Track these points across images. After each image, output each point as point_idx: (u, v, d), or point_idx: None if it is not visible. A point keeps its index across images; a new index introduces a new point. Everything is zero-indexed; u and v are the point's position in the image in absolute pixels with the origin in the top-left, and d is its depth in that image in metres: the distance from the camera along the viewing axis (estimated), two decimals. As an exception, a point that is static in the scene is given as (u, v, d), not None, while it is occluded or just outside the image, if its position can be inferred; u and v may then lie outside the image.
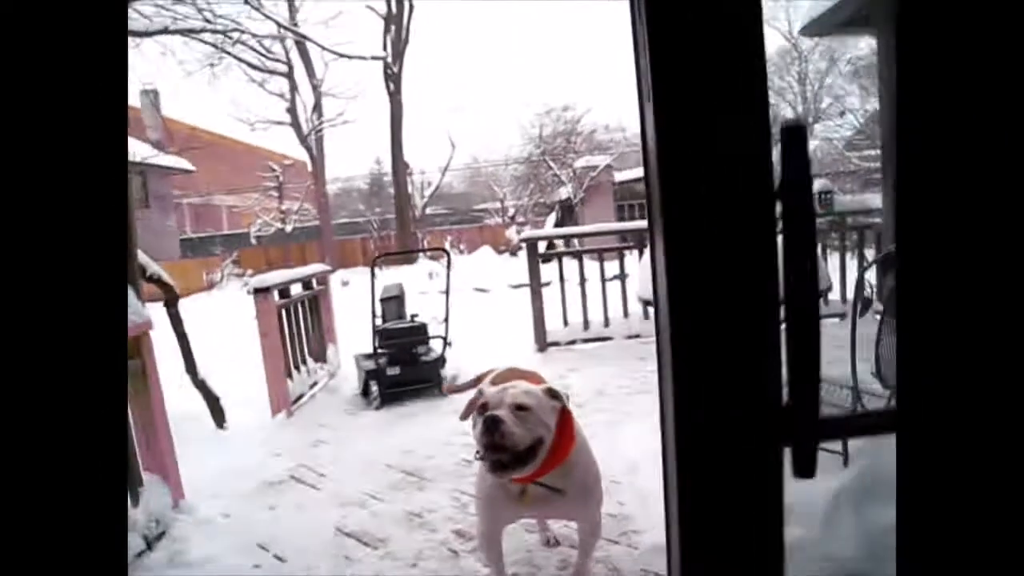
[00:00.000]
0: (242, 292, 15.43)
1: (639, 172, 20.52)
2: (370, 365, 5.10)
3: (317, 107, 22.43)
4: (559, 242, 8.99)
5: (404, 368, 5.07)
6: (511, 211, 23.42)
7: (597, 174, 19.08)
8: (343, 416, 4.98)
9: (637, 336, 6.13)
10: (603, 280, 6.17)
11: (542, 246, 6.73)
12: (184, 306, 4.39)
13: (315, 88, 22.06)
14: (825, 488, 2.40)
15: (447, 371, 5.23)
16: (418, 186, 24.54)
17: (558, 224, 18.24)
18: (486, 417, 1.90)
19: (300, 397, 5.18)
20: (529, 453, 1.94)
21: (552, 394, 2.11)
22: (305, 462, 4.04)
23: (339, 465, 3.96)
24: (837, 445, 2.55)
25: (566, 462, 2.08)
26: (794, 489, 2.36)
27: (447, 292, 5.35)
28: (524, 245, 6.13)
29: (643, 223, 6.51)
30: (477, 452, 2.11)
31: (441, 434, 4.33)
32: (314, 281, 5.92)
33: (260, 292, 4.66)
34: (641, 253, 6.16)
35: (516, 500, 2.11)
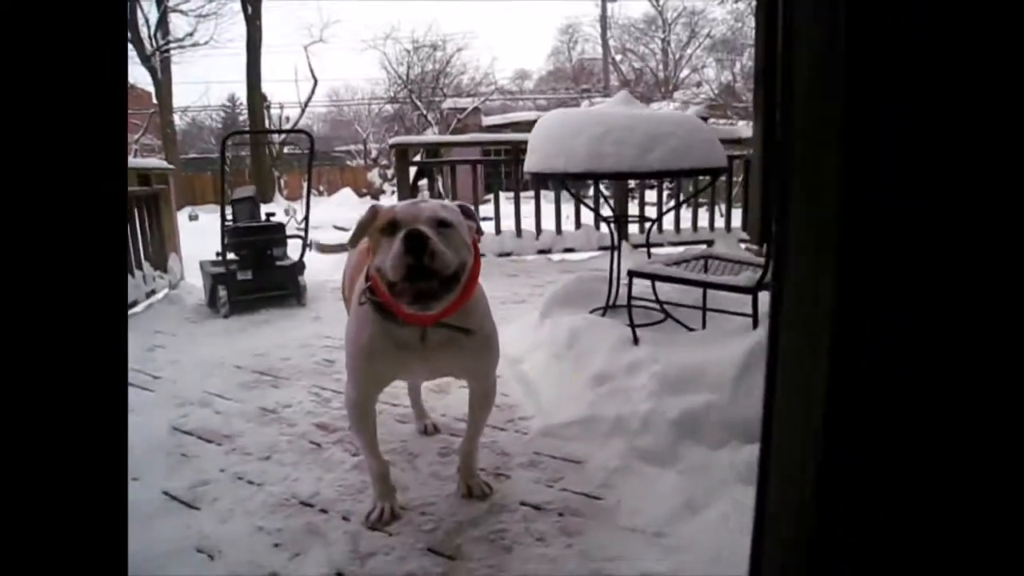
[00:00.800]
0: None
1: (508, 118, 20.34)
2: (218, 269, 4.51)
3: (162, 23, 20.38)
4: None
5: (257, 272, 4.50)
6: (374, 153, 22.49)
7: (464, 116, 18.68)
8: (185, 324, 4.37)
9: (509, 254, 5.89)
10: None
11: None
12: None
13: (160, 1, 20.01)
14: (737, 351, 2.21)
15: (306, 278, 4.73)
16: (276, 122, 23.03)
17: (419, 173, 17.70)
18: (409, 232, 1.46)
19: (134, 304, 4.52)
20: (453, 280, 1.57)
21: (467, 213, 1.72)
22: (137, 367, 3.47)
23: (178, 368, 3.43)
24: (747, 307, 2.37)
25: (466, 305, 1.72)
26: (705, 356, 2.10)
27: (308, 180, 4.79)
28: (393, 150, 5.67)
29: (524, 136, 6.24)
30: (365, 294, 1.71)
31: (299, 337, 3.89)
32: (153, 182, 5.20)
33: (82, 176, 3.95)
34: (519, 174, 5.93)
35: (406, 350, 1.72)
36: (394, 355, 1.74)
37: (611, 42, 28.65)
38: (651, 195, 9.50)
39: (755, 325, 2.30)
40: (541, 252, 5.99)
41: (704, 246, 4.88)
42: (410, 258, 1.46)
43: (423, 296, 1.51)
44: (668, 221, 6.29)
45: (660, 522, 1.84)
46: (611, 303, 3.22)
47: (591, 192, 5.60)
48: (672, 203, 6.62)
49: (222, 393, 3.01)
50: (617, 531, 1.83)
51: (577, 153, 2.70)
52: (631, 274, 2.61)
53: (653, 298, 3.02)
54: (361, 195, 19.34)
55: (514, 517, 1.90)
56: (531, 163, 2.93)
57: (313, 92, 22.56)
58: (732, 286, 2.29)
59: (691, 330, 2.78)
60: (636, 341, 2.53)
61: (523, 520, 1.89)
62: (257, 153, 21.26)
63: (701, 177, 4.15)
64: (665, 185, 6.53)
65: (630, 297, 2.62)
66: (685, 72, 29.33)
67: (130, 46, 20.45)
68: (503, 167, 6.06)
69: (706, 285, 2.41)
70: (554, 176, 2.87)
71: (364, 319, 1.75)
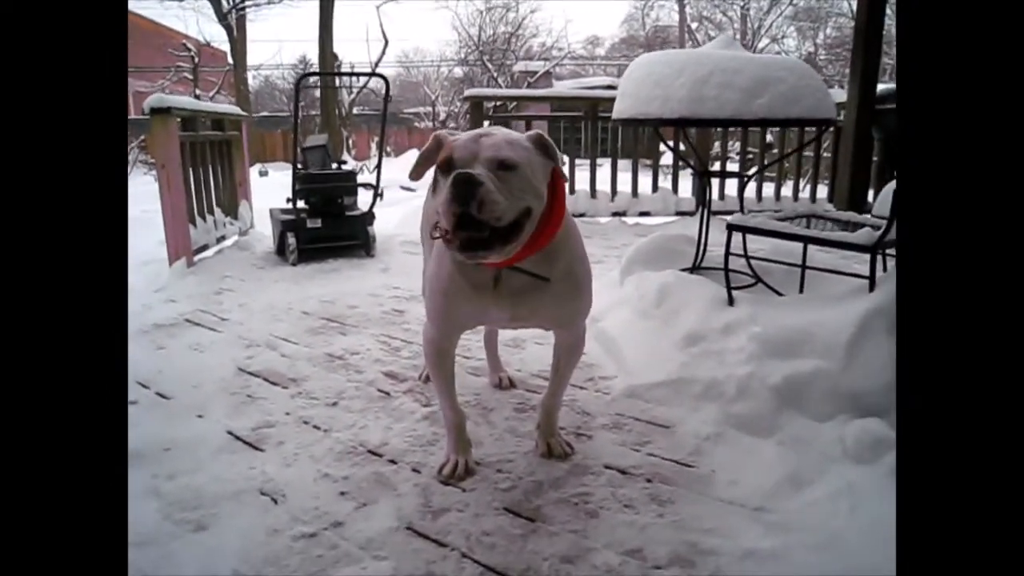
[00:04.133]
0: (149, 178, 14.20)
1: (580, 83, 19.91)
2: (287, 216, 4.44)
3: (238, -19, 20.50)
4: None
5: (327, 221, 4.41)
6: (442, 115, 22.34)
7: (535, 80, 18.35)
8: (253, 270, 4.31)
9: (582, 215, 5.67)
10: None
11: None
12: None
13: (237, -42, 20.11)
14: (850, 314, 1.99)
15: (376, 229, 4.62)
16: (346, 83, 23.06)
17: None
18: (456, 177, 1.29)
19: (204, 248, 4.48)
20: (513, 229, 1.37)
21: (543, 146, 1.48)
22: (204, 308, 3.42)
23: (245, 311, 3.36)
24: (864, 268, 2.14)
25: (551, 245, 1.54)
26: (812, 319, 1.87)
27: (382, 125, 4.65)
28: (468, 103, 5.49)
29: (607, 92, 6.01)
30: (436, 227, 1.56)
31: (368, 287, 3.79)
32: (226, 125, 5.15)
33: (158, 112, 3.88)
34: (591, 121, 5.71)
35: (484, 292, 1.57)
36: (472, 296, 1.58)
37: (688, 9, 27.73)
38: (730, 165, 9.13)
39: (872, 287, 2.06)
40: (616, 214, 5.75)
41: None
42: (455, 206, 1.29)
43: (472, 245, 1.33)
44: (750, 190, 5.98)
45: (761, 496, 1.66)
46: (698, 263, 3.01)
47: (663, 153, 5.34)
48: (753, 167, 6.29)
49: (288, 337, 2.93)
50: (713, 502, 1.65)
51: (675, 96, 2.48)
52: (731, 228, 2.39)
53: (744, 260, 2.79)
54: (428, 157, 19.24)
55: (598, 481, 1.75)
56: (621, 108, 2.71)
57: (384, 53, 22.41)
58: (849, 243, 2.05)
59: (781, 295, 2.56)
60: (731, 301, 2.31)
61: (608, 484, 1.73)
62: (326, 113, 21.34)
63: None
64: (748, 149, 6.19)
65: (727, 253, 2.40)
66: (764, 42, 28.18)
67: (207, 4, 20.71)
68: (582, 124, 5.77)
69: (819, 242, 2.17)
70: (647, 122, 2.65)
71: (442, 256, 1.60)
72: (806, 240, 2.27)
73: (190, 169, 4.33)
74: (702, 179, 3.09)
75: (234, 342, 2.88)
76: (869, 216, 2.56)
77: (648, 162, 6.09)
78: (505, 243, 1.37)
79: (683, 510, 1.62)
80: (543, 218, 1.47)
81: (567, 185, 1.60)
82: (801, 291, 2.60)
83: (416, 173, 1.56)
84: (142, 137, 19.73)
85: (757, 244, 2.81)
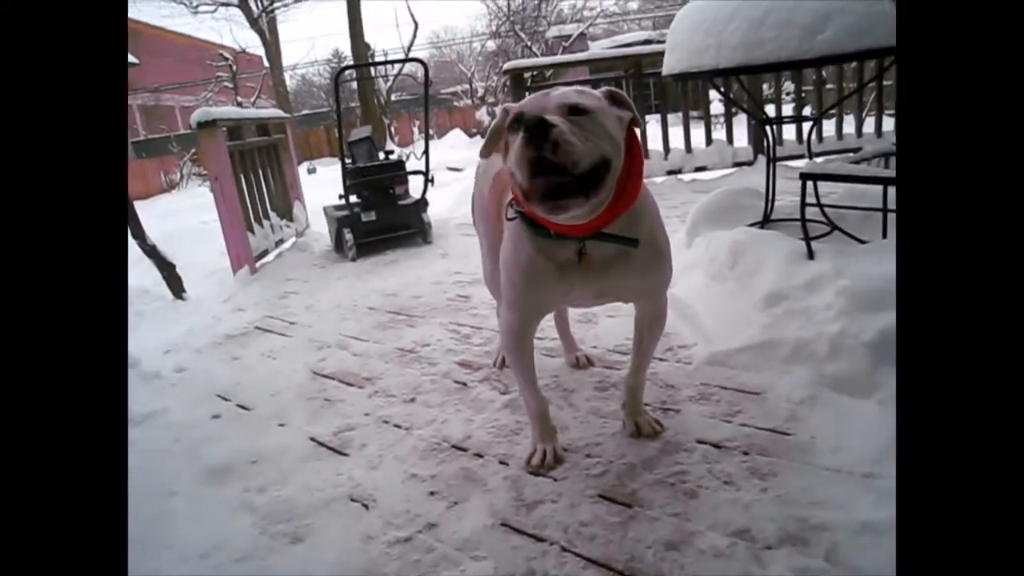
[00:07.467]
0: (203, 189, 14.50)
1: (616, 40, 19.44)
2: (342, 213, 4.45)
3: (266, -16, 20.65)
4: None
5: (381, 212, 4.41)
6: (480, 91, 22.17)
7: (570, 44, 18.01)
8: (314, 270, 4.35)
9: (638, 178, 5.54)
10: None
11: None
12: (144, 207, 3.68)
13: (262, -39, 20.24)
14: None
15: (430, 215, 4.59)
16: (381, 71, 23.08)
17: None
18: (528, 121, 1.20)
19: (264, 254, 4.53)
20: (592, 180, 1.27)
21: (615, 99, 1.40)
22: (272, 314, 3.45)
23: (312, 313, 3.38)
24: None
25: (632, 212, 1.44)
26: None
27: (425, 110, 4.60)
28: (508, 76, 5.38)
29: (646, 48, 5.83)
30: (510, 205, 1.50)
31: (430, 275, 3.76)
32: (271, 130, 5.17)
33: (204, 127, 3.92)
34: (635, 79, 5.52)
35: (568, 269, 1.49)
36: (555, 277, 1.51)
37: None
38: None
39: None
40: (671, 173, 5.60)
41: (851, 155, 4.37)
42: (530, 150, 1.20)
43: (551, 193, 1.24)
44: (807, 129, 5.73)
45: (868, 461, 1.56)
46: (768, 216, 2.87)
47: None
48: (806, 106, 6.01)
49: (358, 335, 2.93)
50: (818, 472, 1.56)
51: (729, 43, 2.35)
52: (804, 177, 2.26)
53: (818, 208, 2.65)
54: (471, 135, 19.16)
55: (692, 457, 1.67)
56: (673, 62, 2.59)
57: (415, 36, 22.27)
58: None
59: (863, 242, 2.41)
60: (811, 255, 2.19)
61: (703, 460, 1.65)
62: (365, 103, 21.41)
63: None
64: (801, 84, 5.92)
65: (803, 205, 2.27)
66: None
67: (238, 11, 20.92)
68: (624, 83, 5.61)
69: (902, 182, 2.02)
70: (701, 75, 2.52)
71: (519, 237, 1.52)
72: (887, 182, 2.13)
73: (242, 177, 4.36)
74: (763, 128, 2.93)
75: (305, 345, 2.89)
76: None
77: (697, 113, 5.88)
78: (587, 194, 1.27)
79: (787, 483, 1.53)
80: (623, 175, 1.38)
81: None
82: (884, 236, 2.45)
83: (487, 150, 1.50)
84: (193, 151, 20.16)
85: (828, 188, 2.67)
